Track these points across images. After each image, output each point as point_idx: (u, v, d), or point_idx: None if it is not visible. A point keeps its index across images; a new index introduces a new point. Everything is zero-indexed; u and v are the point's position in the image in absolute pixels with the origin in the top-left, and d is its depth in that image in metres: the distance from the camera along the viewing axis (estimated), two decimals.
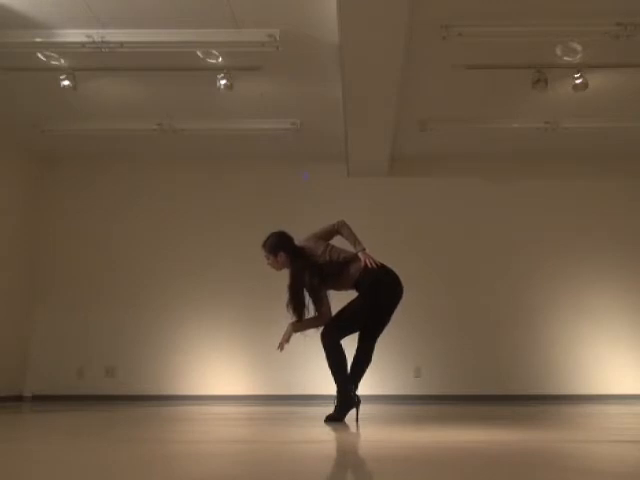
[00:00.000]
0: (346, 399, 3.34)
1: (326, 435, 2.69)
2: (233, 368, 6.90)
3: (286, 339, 3.49)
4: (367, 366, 3.52)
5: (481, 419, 3.75)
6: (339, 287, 3.54)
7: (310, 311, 3.48)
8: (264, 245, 3.58)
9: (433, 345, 6.85)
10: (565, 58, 5.07)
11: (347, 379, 3.38)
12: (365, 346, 3.53)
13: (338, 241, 3.65)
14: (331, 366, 3.38)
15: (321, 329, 3.45)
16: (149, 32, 4.82)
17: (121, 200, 7.42)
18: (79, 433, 2.82)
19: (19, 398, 6.74)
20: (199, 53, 5.03)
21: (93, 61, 5.18)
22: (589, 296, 6.94)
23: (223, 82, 5.26)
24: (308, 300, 3.47)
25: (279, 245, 3.54)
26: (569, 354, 6.80)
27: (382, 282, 3.46)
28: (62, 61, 5.17)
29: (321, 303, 3.44)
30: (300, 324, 3.49)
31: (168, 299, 7.06)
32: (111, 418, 3.99)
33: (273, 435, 2.68)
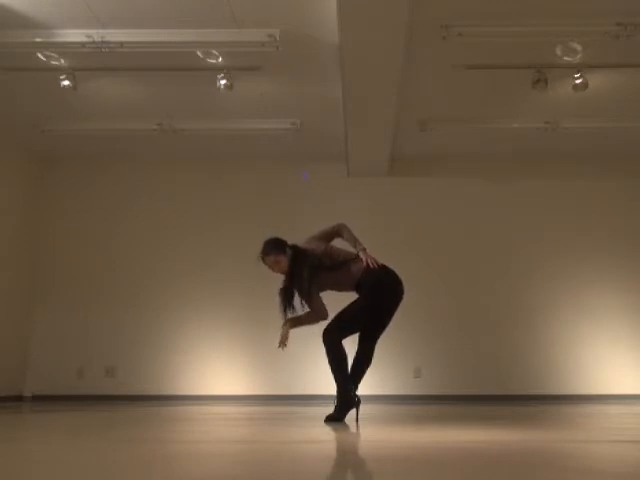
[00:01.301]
0: (346, 399, 3.34)
1: (326, 435, 2.69)
2: (233, 368, 6.90)
3: (285, 339, 3.48)
4: (367, 367, 3.52)
5: (481, 419, 3.75)
6: (340, 287, 3.54)
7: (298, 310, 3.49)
8: (268, 252, 3.49)
9: (433, 345, 6.85)
10: (565, 58, 5.07)
11: (347, 379, 3.38)
12: (365, 347, 3.53)
13: (338, 244, 3.65)
14: (332, 366, 3.38)
15: (321, 327, 3.44)
16: (149, 32, 4.82)
17: (121, 200, 7.42)
18: (79, 433, 2.82)
19: (19, 398, 6.74)
20: (199, 53, 5.03)
21: (93, 61, 5.18)
22: (589, 296, 6.94)
23: (223, 82, 5.26)
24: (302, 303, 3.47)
25: (283, 243, 3.53)
26: (569, 354, 6.80)
27: (383, 283, 3.46)
28: (62, 61, 5.17)
29: (310, 299, 3.42)
30: (295, 320, 3.48)
31: (168, 299, 7.06)
32: (111, 418, 3.99)
33: (273, 435, 2.68)
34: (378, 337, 3.56)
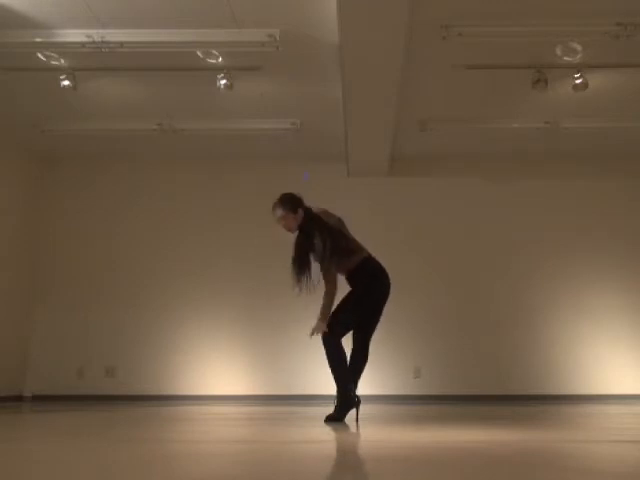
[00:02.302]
0: (346, 399, 3.34)
1: (326, 435, 2.69)
2: (233, 368, 6.90)
3: (323, 329, 3.36)
4: (364, 365, 3.53)
5: (481, 419, 3.75)
6: (339, 267, 3.52)
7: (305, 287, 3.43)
8: (279, 203, 3.50)
9: (433, 345, 6.85)
10: (565, 58, 5.07)
11: (348, 379, 3.38)
12: (361, 345, 3.54)
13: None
14: (332, 366, 3.38)
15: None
16: (149, 32, 4.82)
17: (121, 200, 7.42)
18: (79, 433, 2.82)
19: (19, 398, 6.74)
20: (199, 53, 5.03)
21: (93, 61, 5.17)
22: (589, 296, 6.94)
23: (223, 82, 5.26)
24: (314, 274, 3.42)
25: (297, 202, 3.53)
26: (569, 354, 6.80)
27: (377, 277, 3.50)
28: (62, 61, 5.17)
29: (330, 268, 3.37)
30: (325, 311, 3.37)
31: (168, 299, 7.06)
32: (111, 418, 3.99)
33: (273, 435, 2.68)
34: (372, 334, 3.56)
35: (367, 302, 3.48)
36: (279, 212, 3.50)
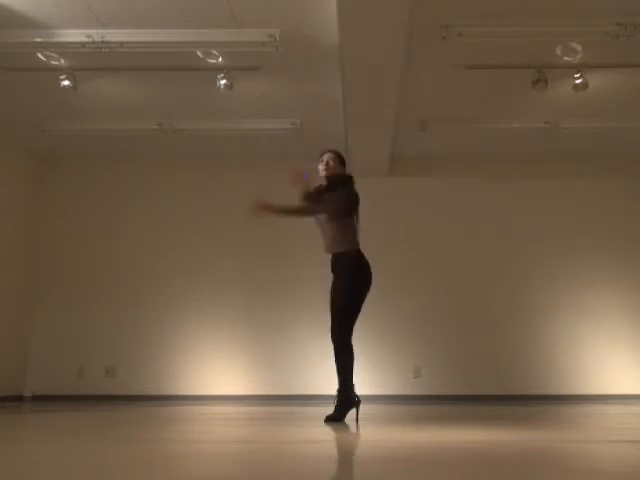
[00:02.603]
0: (347, 399, 3.35)
1: (326, 435, 2.69)
2: (233, 368, 6.90)
3: (262, 207, 3.57)
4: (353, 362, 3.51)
5: (481, 419, 3.75)
6: (332, 240, 3.57)
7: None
8: (332, 151, 3.77)
9: (433, 345, 6.85)
10: (565, 58, 5.07)
11: (351, 379, 3.38)
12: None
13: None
14: (338, 363, 3.36)
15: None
16: (149, 32, 4.83)
17: (121, 200, 7.42)
18: (79, 433, 2.82)
19: (19, 398, 6.74)
20: (199, 53, 5.03)
21: (93, 61, 5.18)
22: (589, 296, 6.94)
23: (223, 82, 5.26)
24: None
25: (345, 162, 3.83)
26: (569, 354, 6.80)
27: (363, 269, 3.50)
28: (62, 61, 5.17)
29: (323, 209, 3.65)
30: (286, 210, 3.73)
31: (168, 299, 7.06)
32: (111, 418, 3.99)
33: (273, 435, 2.68)
34: (353, 328, 3.53)
35: (358, 293, 3.47)
36: (330, 155, 3.76)
